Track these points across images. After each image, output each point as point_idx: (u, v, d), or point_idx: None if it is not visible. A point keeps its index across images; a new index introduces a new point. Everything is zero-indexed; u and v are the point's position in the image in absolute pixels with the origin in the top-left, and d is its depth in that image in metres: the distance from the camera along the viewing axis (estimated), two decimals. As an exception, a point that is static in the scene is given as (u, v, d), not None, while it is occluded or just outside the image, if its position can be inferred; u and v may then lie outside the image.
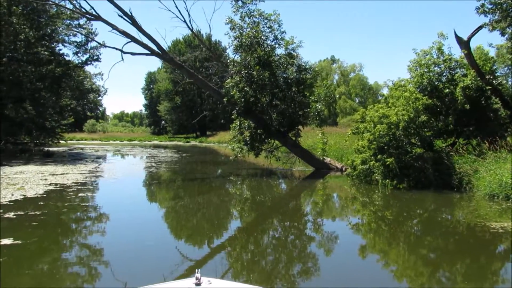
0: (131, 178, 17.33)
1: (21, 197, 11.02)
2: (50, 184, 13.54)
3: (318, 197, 14.15)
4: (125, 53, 18.25)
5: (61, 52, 28.81)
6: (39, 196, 11.27)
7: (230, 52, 20.30)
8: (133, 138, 65.01)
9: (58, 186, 13.29)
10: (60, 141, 39.93)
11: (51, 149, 35.14)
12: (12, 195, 11.24)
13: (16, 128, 28.99)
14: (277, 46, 19.08)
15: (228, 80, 18.37)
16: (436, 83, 15.05)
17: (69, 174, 16.64)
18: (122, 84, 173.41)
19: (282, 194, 15.01)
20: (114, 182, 15.33)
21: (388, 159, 13.14)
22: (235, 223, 10.16)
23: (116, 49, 18.48)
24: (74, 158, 26.69)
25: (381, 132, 13.44)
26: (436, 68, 15.42)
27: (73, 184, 13.74)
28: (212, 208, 11.38)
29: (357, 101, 70.94)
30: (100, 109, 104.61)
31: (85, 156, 28.50)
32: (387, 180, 13.36)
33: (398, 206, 11.71)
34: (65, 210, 9.57)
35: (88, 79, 50.34)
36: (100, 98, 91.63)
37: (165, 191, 14.63)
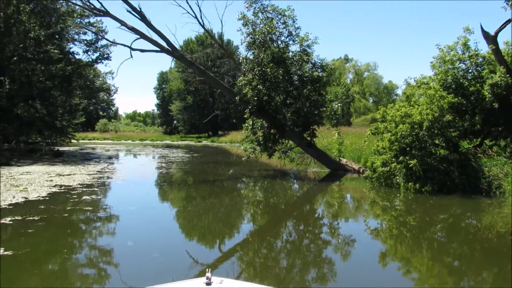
0: (140, 180, 16.73)
1: (23, 200, 10.45)
2: (54, 186, 12.98)
3: (334, 200, 13.40)
4: (134, 49, 17.69)
5: (71, 50, 28.40)
6: (41, 199, 10.69)
7: (242, 49, 19.61)
8: (145, 138, 64.75)
9: (62, 188, 12.72)
10: (72, 141, 39.72)
11: (62, 148, 34.84)
12: (14, 197, 10.68)
13: (26, 127, 28.70)
14: (291, 42, 18.32)
15: (241, 78, 17.66)
16: (461, 80, 14.13)
17: (76, 175, 16.10)
18: (135, 83, 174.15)
19: (296, 196, 14.28)
20: (122, 184, 14.74)
21: (411, 161, 12.30)
22: (247, 226, 9.58)
23: (125, 45, 17.94)
24: (83, 158, 26.25)
25: (403, 132, 12.61)
26: (461, 65, 14.50)
27: (78, 186, 13.16)
28: (224, 211, 10.70)
29: (371, 100, 69.73)
30: (113, 108, 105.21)
31: (95, 156, 28.06)
32: (410, 184, 12.53)
33: (422, 211, 10.99)
34: (66, 215, 8.94)
35: (101, 78, 50.18)
36: (112, 97, 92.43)
37: (175, 193, 13.98)
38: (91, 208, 9.72)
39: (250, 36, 18.08)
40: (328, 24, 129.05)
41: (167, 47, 17.50)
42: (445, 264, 6.51)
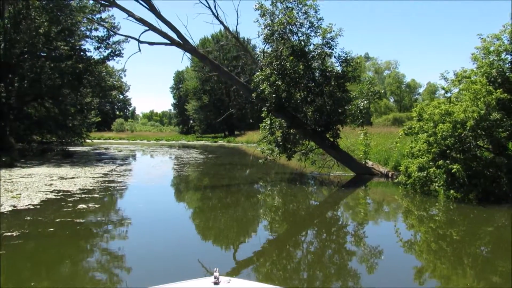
0: (148, 184, 15.35)
1: (10, 208, 9.21)
2: (52, 191, 11.74)
3: (361, 207, 11.95)
4: (142, 42, 16.35)
5: (82, 47, 27.31)
6: (31, 207, 9.43)
7: (259, 42, 18.16)
8: (160, 138, 63.83)
9: (60, 193, 11.46)
10: (86, 141, 38.87)
11: (75, 149, 34.05)
12: (1, 206, 9.44)
13: (35, 127, 27.81)
14: (313, 34, 16.74)
15: (258, 73, 16.18)
16: (508, 73, 12.41)
17: (79, 178, 14.90)
18: (153, 83, 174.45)
19: (318, 202, 12.81)
20: (127, 189, 13.37)
21: (454, 166, 10.66)
22: (264, 234, 8.56)
23: (133, 38, 16.66)
24: (93, 158, 25.16)
25: (444, 133, 10.97)
26: (507, 56, 12.76)
27: (78, 191, 11.89)
28: (238, 217, 9.28)
29: (392, 100, 67.52)
30: (130, 108, 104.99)
31: (106, 157, 26.97)
32: (451, 191, 10.90)
33: (465, 223, 9.51)
34: (51, 229, 7.58)
35: (117, 78, 49.29)
36: (128, 97, 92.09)
37: (184, 201, 12.64)
38: (83, 221, 8.35)
39: (268, 28, 16.62)
40: (347, 22, 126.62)
41: (178, 39, 16.13)
42: (492, 284, 5.76)
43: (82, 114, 30.42)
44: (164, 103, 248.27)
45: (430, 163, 11.59)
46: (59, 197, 10.93)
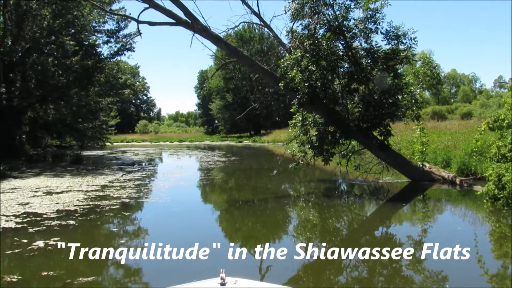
0: (147, 201, 11.58)
1: None
2: (20, 215, 8.92)
3: (425, 225, 8.80)
4: (141, 22, 13.34)
5: (90, 41, 24.70)
6: (-35, 247, 6.56)
7: (287, 19, 14.94)
8: (184, 139, 61.41)
9: (26, 219, 8.59)
10: (106, 144, 36.94)
11: (91, 153, 31.84)
12: None
13: (43, 131, 25.49)
14: (353, 6, 13.38)
15: (286, 56, 12.97)
16: None
17: (69, 193, 12.08)
18: (178, 84, 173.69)
19: (365, 219, 9.57)
20: (117, 211, 10.02)
21: None
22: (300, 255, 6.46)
23: (131, 17, 13.74)
24: (102, 165, 22.43)
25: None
26: None
27: (52, 215, 8.98)
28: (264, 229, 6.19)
29: (427, 93, 62.95)
30: (155, 110, 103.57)
31: (117, 162, 24.25)
32: None
33: None
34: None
35: (130, 75, 47.03)
36: (151, 97, 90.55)
37: (189, 230, 9.55)
38: (16, 279, 5.30)
39: (297, 1, 13.42)
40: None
41: (185, 18, 13.08)
42: None
43: (94, 116, 27.93)
44: (190, 103, 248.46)
45: (534, 169, 8.14)
46: (20, 225, 8.04)
